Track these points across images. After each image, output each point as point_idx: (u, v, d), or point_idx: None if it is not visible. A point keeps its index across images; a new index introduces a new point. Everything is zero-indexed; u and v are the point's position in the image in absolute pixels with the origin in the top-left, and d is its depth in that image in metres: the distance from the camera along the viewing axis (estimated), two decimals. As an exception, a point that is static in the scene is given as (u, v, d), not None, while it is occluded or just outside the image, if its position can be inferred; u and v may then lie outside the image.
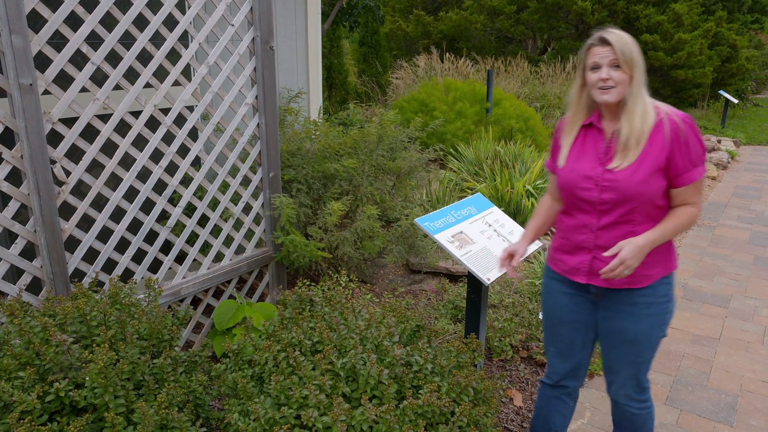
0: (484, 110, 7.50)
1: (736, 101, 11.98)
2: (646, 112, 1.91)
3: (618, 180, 1.91)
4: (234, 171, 3.58)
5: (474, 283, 2.63)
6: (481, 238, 2.67)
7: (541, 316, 3.50)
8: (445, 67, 11.46)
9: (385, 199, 3.87)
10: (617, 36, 1.90)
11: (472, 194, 5.16)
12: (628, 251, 1.84)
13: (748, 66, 14.02)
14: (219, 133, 3.60)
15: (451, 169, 6.07)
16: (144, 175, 2.95)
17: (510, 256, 2.17)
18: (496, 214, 2.93)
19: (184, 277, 3.12)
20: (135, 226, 2.97)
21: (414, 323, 2.25)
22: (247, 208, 3.48)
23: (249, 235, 3.56)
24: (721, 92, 11.89)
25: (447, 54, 11.86)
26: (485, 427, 1.99)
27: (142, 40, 2.68)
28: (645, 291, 2.01)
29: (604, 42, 1.90)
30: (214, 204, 3.35)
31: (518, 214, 4.84)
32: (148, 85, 2.78)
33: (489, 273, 2.47)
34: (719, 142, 10.68)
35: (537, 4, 13.69)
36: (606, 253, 1.90)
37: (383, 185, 3.90)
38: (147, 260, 2.91)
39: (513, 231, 2.86)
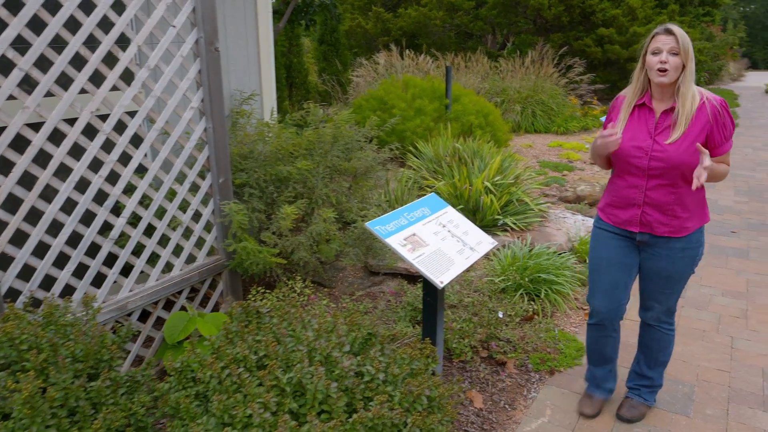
0: (444, 107, 7.48)
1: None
2: (694, 96, 2.35)
3: (666, 150, 2.38)
4: (182, 178, 3.45)
5: (429, 285, 2.58)
6: (434, 239, 2.62)
7: (500, 314, 3.48)
8: (405, 64, 11.42)
9: (341, 201, 3.79)
10: (679, 29, 2.31)
11: (430, 192, 5.12)
12: (704, 171, 2.23)
13: (700, 58, 14.35)
14: (165, 138, 3.47)
15: (411, 168, 6.03)
16: (83, 185, 2.82)
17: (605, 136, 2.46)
18: (451, 214, 2.88)
19: (131, 290, 3.00)
20: (75, 240, 2.84)
21: (366, 331, 2.19)
22: (197, 216, 3.37)
23: (200, 243, 3.45)
24: (676, 83, 12.11)
25: (407, 51, 11.82)
26: (440, 436, 1.94)
27: (75, 43, 2.55)
28: (681, 239, 2.52)
29: (669, 32, 2.31)
30: (161, 213, 3.22)
31: (477, 211, 4.82)
32: (83, 91, 2.65)
33: (443, 276, 2.43)
34: (675, 132, 10.88)
35: (495, -1, 13.77)
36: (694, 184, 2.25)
37: (339, 186, 3.83)
38: (89, 275, 2.78)
39: (468, 231, 2.82)
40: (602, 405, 2.91)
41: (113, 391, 1.99)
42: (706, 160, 2.23)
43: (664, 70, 2.30)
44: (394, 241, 2.44)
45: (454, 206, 4.89)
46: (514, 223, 4.82)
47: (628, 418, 2.81)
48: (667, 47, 2.29)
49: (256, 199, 3.54)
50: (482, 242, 2.79)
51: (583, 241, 4.63)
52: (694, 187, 2.24)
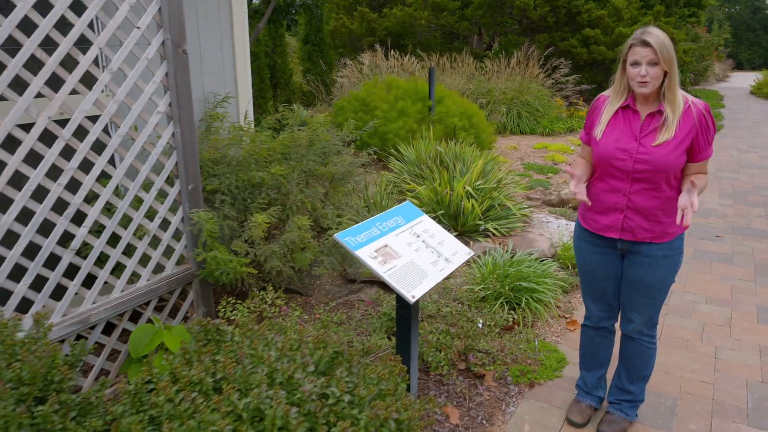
0: (427, 108, 7.38)
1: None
2: (680, 101, 2.31)
3: (652, 153, 2.33)
4: (148, 185, 3.33)
5: (402, 299, 2.48)
6: (407, 251, 2.52)
7: (479, 324, 3.39)
8: (390, 64, 11.32)
9: (317, 207, 3.68)
10: (656, 37, 2.22)
11: (411, 197, 5.02)
12: (694, 201, 2.22)
13: (686, 59, 14.37)
14: (131, 144, 3.35)
15: (392, 171, 5.93)
16: (40, 194, 2.70)
17: (576, 183, 2.46)
18: (426, 223, 2.79)
19: (94, 302, 2.88)
20: (32, 251, 2.71)
21: (332, 349, 2.09)
22: (165, 224, 3.25)
23: (168, 252, 3.33)
24: (661, 85, 12.12)
25: (392, 51, 11.72)
26: (408, 462, 1.85)
27: (30, 46, 2.43)
28: (663, 245, 2.47)
29: (645, 44, 2.22)
30: (126, 221, 3.10)
31: (459, 217, 4.73)
32: (39, 95, 2.52)
33: (415, 289, 2.33)
34: (660, 134, 10.87)
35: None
36: (679, 215, 2.24)
37: (315, 192, 3.72)
38: (48, 287, 2.66)
39: (443, 241, 2.72)
40: (591, 413, 2.87)
41: (63, 416, 1.87)
42: (694, 196, 2.23)
43: (645, 82, 2.27)
44: (364, 254, 2.34)
45: (435, 211, 4.80)
46: (496, 229, 4.74)
47: None
48: (646, 60, 2.24)
49: (228, 206, 3.42)
50: (458, 252, 2.70)
51: (566, 246, 4.55)
52: (678, 221, 2.24)
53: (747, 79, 27.51)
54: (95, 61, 3.28)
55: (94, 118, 3.11)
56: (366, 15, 14.66)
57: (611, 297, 2.68)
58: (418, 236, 2.66)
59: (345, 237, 2.37)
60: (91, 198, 3.08)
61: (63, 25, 2.82)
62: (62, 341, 2.79)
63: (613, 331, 2.82)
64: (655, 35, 2.22)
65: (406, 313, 2.52)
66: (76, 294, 2.83)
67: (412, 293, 2.29)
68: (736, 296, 4.25)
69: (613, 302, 2.70)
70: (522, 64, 12.00)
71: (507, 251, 4.36)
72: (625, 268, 2.58)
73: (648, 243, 2.48)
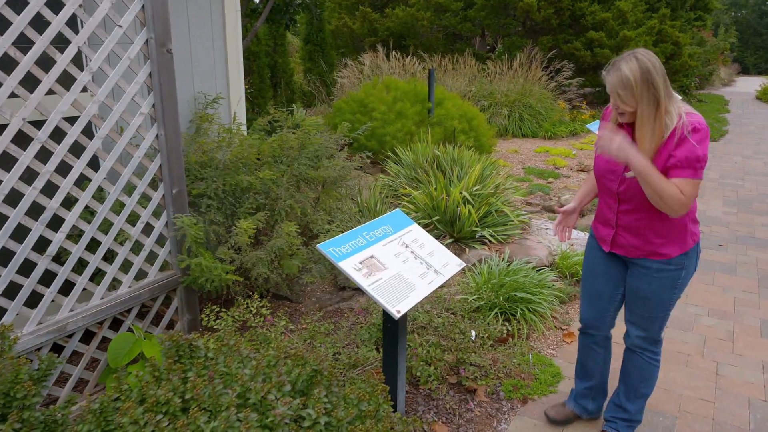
0: (426, 110, 7.27)
1: (680, 98, 12.09)
2: (654, 133, 2.14)
3: (632, 181, 2.25)
4: (132, 188, 3.23)
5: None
6: (394, 262, 2.41)
7: (473, 336, 3.28)
8: (391, 65, 11.21)
9: (307, 213, 3.58)
10: (612, 77, 2.12)
11: (406, 202, 4.91)
12: (617, 144, 2.10)
13: (691, 63, 14.23)
14: (113, 145, 3.25)
15: (389, 174, 5.82)
16: (14, 198, 2.60)
17: (565, 217, 2.69)
18: (416, 232, 2.68)
19: (71, 310, 2.77)
20: (5, 257, 2.62)
21: (311, 367, 1.98)
22: (148, 229, 3.15)
23: (152, 258, 3.22)
24: (665, 89, 11.98)
25: (394, 52, 11.61)
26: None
27: (3, 44, 2.33)
28: (658, 261, 2.37)
29: (607, 81, 2.16)
30: (108, 226, 3.00)
31: (454, 223, 4.62)
32: (13, 95, 2.43)
33: (400, 304, 2.22)
34: (664, 138, 10.74)
35: (484, 0, 13.57)
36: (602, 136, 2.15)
37: (305, 197, 3.61)
38: (23, 294, 2.55)
39: (433, 251, 2.61)
40: (571, 416, 2.86)
41: (23, 436, 1.77)
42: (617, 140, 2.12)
43: (622, 114, 2.20)
44: (348, 265, 2.23)
45: (430, 217, 4.69)
46: (493, 236, 4.62)
47: None
48: (614, 92, 2.15)
49: (214, 210, 3.32)
50: (449, 264, 2.59)
51: (565, 255, 4.44)
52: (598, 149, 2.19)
53: (753, 83, 27.33)
54: (75, 61, 3.17)
55: (73, 120, 3.02)
56: (368, 15, 14.55)
57: (606, 302, 2.61)
58: (406, 246, 2.55)
59: (328, 247, 2.27)
60: (68, 202, 2.98)
61: (39, 23, 2.73)
62: (38, 350, 2.69)
63: (602, 344, 2.74)
64: (622, 73, 2.08)
65: (393, 327, 2.41)
66: (53, 301, 2.73)
67: (398, 308, 2.18)
68: (739, 309, 4.13)
69: (606, 308, 2.63)
70: (525, 66, 11.88)
71: (503, 259, 4.24)
72: (627, 277, 2.54)
73: (642, 258, 2.41)
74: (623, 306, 2.62)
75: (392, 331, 2.45)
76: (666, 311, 2.45)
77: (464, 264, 2.66)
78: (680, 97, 2.25)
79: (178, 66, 3.86)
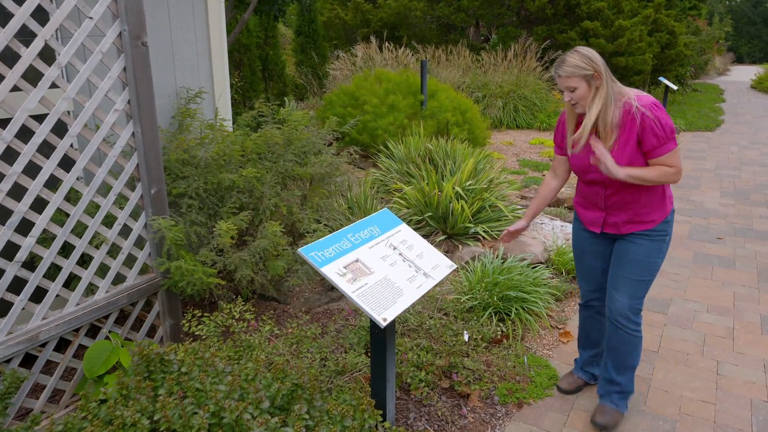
0: (419, 103, 7.13)
1: (675, 88, 11.98)
2: (607, 110, 2.39)
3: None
4: (107, 189, 3.09)
5: (375, 318, 2.25)
6: (381, 265, 2.29)
7: (466, 337, 3.17)
8: (384, 57, 11.05)
9: (293, 211, 3.45)
10: (567, 65, 2.39)
11: (398, 198, 4.79)
12: (609, 163, 2.41)
13: (686, 52, 14.10)
14: (86, 144, 3.11)
15: (380, 169, 5.68)
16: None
17: (511, 234, 2.90)
18: (404, 233, 2.55)
19: (44, 318, 2.64)
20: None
21: (292, 381, 1.86)
22: (125, 231, 3.01)
23: (130, 261, 3.10)
24: (661, 79, 11.87)
25: (387, 43, 11.44)
26: None
27: (-39, 38, 2.18)
28: (645, 231, 2.59)
29: (558, 76, 2.42)
30: (82, 229, 2.87)
31: (447, 219, 4.49)
32: (-25, 93, 2.29)
33: (387, 311, 2.10)
34: (659, 129, 10.62)
35: (477, -10, 13.39)
36: (593, 159, 2.50)
37: (292, 195, 3.48)
38: (-10, 303, 2.42)
39: (422, 253, 2.49)
40: (582, 384, 3.04)
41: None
42: (599, 149, 2.43)
43: (574, 104, 2.45)
44: (331, 271, 2.11)
45: (422, 213, 4.57)
46: (486, 232, 4.50)
47: (603, 424, 2.75)
48: (564, 86, 2.43)
49: (195, 210, 3.19)
50: (439, 266, 2.47)
51: (561, 251, 4.32)
52: (593, 161, 2.49)
53: (747, 72, 27.25)
54: (43, 56, 3.02)
55: (41, 118, 2.88)
56: (360, 6, 14.36)
57: (600, 274, 2.82)
58: (394, 248, 2.42)
59: (311, 252, 2.14)
60: (42, 204, 2.84)
61: (2, 15, 2.58)
62: (8, 361, 2.57)
63: (601, 309, 2.91)
64: (567, 63, 2.38)
65: (380, 333, 2.29)
66: (24, 309, 2.60)
67: (384, 315, 2.06)
68: (739, 304, 4.03)
69: (602, 280, 2.84)
70: (519, 57, 11.74)
71: (497, 256, 4.13)
72: (615, 247, 2.72)
73: (630, 233, 2.62)
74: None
75: (380, 338, 2.33)
76: (651, 276, 2.62)
77: (455, 266, 2.54)
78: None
79: (159, 59, 3.71)
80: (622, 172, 2.39)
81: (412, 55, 11.29)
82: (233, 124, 4.40)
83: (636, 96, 2.40)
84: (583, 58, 2.38)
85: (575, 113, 2.55)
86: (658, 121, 2.34)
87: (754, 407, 2.93)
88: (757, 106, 15.54)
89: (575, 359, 3.11)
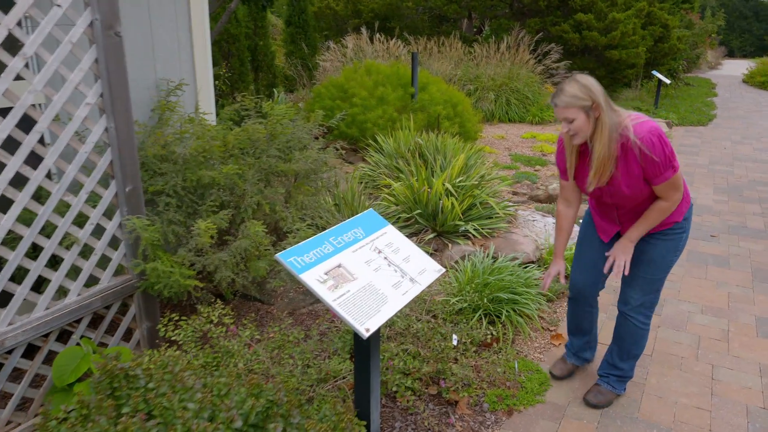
0: (409, 95, 6.99)
1: (668, 81, 11.91)
2: (610, 144, 2.32)
3: (612, 190, 2.47)
4: (78, 187, 2.95)
5: (358, 327, 2.13)
6: (365, 271, 2.17)
7: (454, 341, 3.06)
8: (375, 48, 10.89)
9: (277, 209, 3.32)
10: (564, 94, 2.30)
11: (386, 194, 4.66)
12: (620, 254, 2.55)
13: (680, 46, 14.02)
14: (55, 139, 2.96)
15: (369, 164, 5.55)
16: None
17: (551, 276, 2.81)
18: (390, 235, 2.43)
19: (10, 323, 2.50)
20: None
21: (266, 398, 1.74)
22: (98, 231, 2.88)
23: (104, 262, 2.96)
24: (654, 72, 11.78)
25: (378, 34, 11.27)
26: None
27: None
28: (663, 230, 2.57)
29: (555, 105, 2.35)
30: (52, 229, 2.73)
31: (437, 216, 4.38)
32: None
33: (370, 320, 1.98)
34: (652, 123, 10.54)
35: (470, -19, 13.23)
36: (606, 266, 2.63)
37: (275, 192, 3.35)
38: (-50, 308, 2.29)
39: (409, 256, 2.37)
40: (573, 369, 3.10)
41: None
42: (622, 255, 2.55)
43: (574, 135, 2.37)
44: (311, 277, 1.98)
45: (411, 211, 4.45)
46: (477, 230, 4.39)
47: (594, 404, 2.82)
48: (561, 116, 2.34)
49: (173, 209, 3.05)
50: (426, 270, 2.35)
51: (552, 250, 4.21)
52: (616, 274, 2.54)
53: (739, 67, 27.26)
54: (7, 46, 2.87)
55: (5, 112, 2.73)
56: (352, -4, 14.17)
57: (600, 270, 2.79)
58: (379, 252, 2.30)
59: (289, 257, 2.01)
60: (7, 204, 2.70)
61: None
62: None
63: (594, 305, 2.93)
64: (565, 92, 2.30)
65: (364, 342, 2.18)
66: (-12, 314, 2.47)
67: (367, 326, 1.94)
68: (734, 305, 3.95)
69: (600, 276, 2.81)
70: (512, 49, 11.60)
71: (488, 255, 4.02)
72: None
73: (648, 234, 2.61)
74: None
75: (363, 346, 2.21)
76: (666, 273, 2.63)
77: (443, 270, 2.42)
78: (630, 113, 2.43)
79: (137, 50, 3.56)
80: (633, 244, 2.52)
81: (404, 46, 11.13)
82: (217, 117, 4.26)
83: (633, 123, 2.31)
84: (581, 88, 2.29)
85: (574, 143, 2.46)
86: (654, 151, 2.28)
87: (750, 414, 2.84)
88: (750, 100, 15.51)
89: (566, 344, 3.14)
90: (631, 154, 2.33)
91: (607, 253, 2.63)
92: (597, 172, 2.38)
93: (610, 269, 2.65)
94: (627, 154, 2.34)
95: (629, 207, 2.52)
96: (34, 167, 2.50)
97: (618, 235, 2.71)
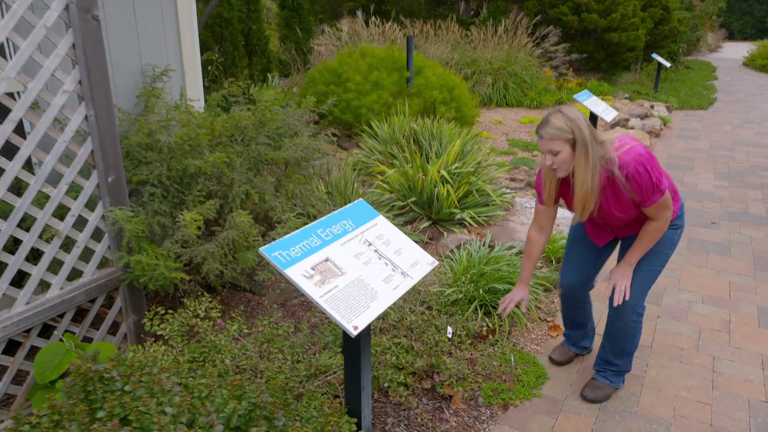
0: (405, 80, 6.87)
1: (668, 65, 11.74)
2: (594, 179, 2.30)
3: (603, 214, 2.49)
4: (57, 178, 2.85)
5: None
6: (354, 265, 2.08)
7: (449, 334, 2.98)
8: (371, 31, 10.72)
9: (266, 199, 3.22)
10: (550, 127, 2.26)
11: (380, 181, 4.56)
12: (621, 280, 2.55)
13: (680, 28, 13.84)
14: (31, 129, 2.85)
15: (363, 150, 5.44)
16: None
17: (512, 302, 2.71)
18: (381, 227, 2.34)
19: (-12, 320, 2.42)
20: None
21: (249, 401, 1.66)
22: (80, 223, 2.78)
23: (87, 255, 2.87)
24: (654, 55, 11.62)
25: (374, 17, 11.09)
26: None
27: None
28: None
29: (540, 136, 2.30)
30: (31, 222, 2.63)
31: (432, 204, 4.28)
32: None
33: (359, 317, 1.89)
34: (652, 107, 10.43)
35: (467, -37, 13.00)
36: (607, 293, 2.59)
37: (265, 181, 3.25)
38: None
39: (401, 249, 2.28)
40: (573, 356, 3.09)
41: None
42: (622, 281, 2.55)
43: (557, 169, 2.33)
44: (296, 273, 1.89)
45: (405, 198, 4.35)
46: (473, 218, 4.30)
47: (592, 399, 2.78)
48: (546, 148, 2.30)
49: (158, 199, 2.96)
50: (418, 263, 2.27)
51: (551, 238, 4.13)
52: (617, 300, 2.53)
53: (739, 49, 27.03)
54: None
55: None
56: (347, -21, 13.94)
57: (592, 267, 2.79)
58: (369, 244, 2.21)
59: (274, 251, 1.92)
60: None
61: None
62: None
63: (587, 299, 2.91)
64: (551, 124, 2.26)
65: (354, 339, 2.09)
66: (-35, 310, 2.38)
67: (355, 323, 1.86)
68: (735, 294, 3.87)
69: (591, 273, 2.80)
70: (510, 32, 11.44)
71: (484, 244, 3.93)
72: (622, 241, 2.72)
73: None
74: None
75: (353, 342, 2.13)
76: (662, 265, 2.61)
77: (436, 263, 2.33)
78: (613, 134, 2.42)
79: (120, 34, 3.44)
80: (632, 268, 2.53)
81: (400, 30, 10.96)
82: (205, 104, 4.14)
83: (619, 153, 2.27)
84: (567, 120, 2.25)
85: (554, 175, 2.44)
86: (641, 181, 2.26)
87: (752, 408, 2.78)
88: (750, 83, 15.36)
89: (564, 334, 3.11)
90: (618, 183, 2.32)
91: (606, 279, 2.60)
92: (580, 206, 2.37)
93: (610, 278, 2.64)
94: (614, 183, 2.33)
95: (623, 224, 2.55)
96: (10, 158, 2.39)
97: (613, 241, 2.75)
